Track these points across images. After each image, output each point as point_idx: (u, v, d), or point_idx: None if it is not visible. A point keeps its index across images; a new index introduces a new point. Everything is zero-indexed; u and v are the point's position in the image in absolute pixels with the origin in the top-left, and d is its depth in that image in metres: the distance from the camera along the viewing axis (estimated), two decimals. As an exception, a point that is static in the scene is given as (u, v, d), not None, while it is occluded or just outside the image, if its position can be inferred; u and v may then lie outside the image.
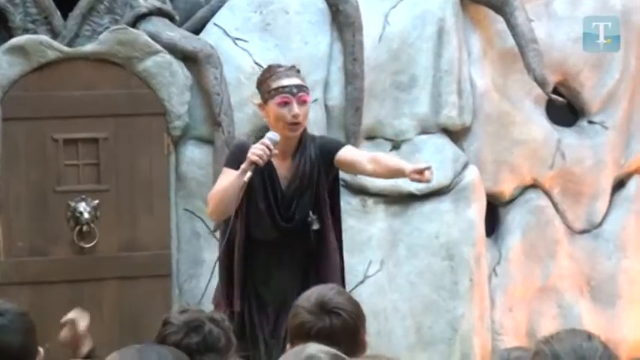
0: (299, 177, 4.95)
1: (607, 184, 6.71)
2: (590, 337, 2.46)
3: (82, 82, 5.84)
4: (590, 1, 6.79)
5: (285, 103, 4.90)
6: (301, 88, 5.00)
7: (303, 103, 4.93)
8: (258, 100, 5.13)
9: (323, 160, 4.93)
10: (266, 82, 5.03)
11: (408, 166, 4.75)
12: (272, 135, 4.79)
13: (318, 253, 4.99)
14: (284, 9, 6.06)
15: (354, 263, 5.91)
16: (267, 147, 4.73)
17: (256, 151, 4.73)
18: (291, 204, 4.97)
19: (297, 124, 4.91)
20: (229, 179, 4.90)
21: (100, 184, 5.87)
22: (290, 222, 4.95)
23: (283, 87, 4.96)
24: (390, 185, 6.20)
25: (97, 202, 5.78)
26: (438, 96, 6.22)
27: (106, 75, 5.89)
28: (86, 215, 5.73)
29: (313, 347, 2.64)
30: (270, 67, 5.30)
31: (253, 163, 4.71)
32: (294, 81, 5.03)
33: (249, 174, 4.75)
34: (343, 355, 2.66)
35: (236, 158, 4.98)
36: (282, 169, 4.92)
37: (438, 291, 6.17)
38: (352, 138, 5.97)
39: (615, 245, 6.75)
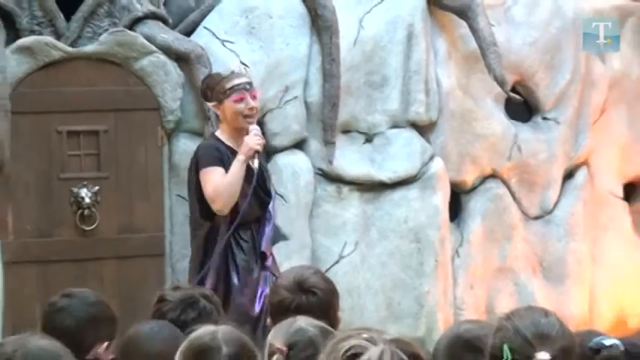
0: (260, 161, 5.41)
1: (558, 175, 6.96)
2: (547, 313, 2.72)
3: (83, 79, 6.00)
4: (544, 8, 7.01)
5: (241, 99, 5.32)
6: (251, 85, 5.43)
7: (254, 97, 5.36)
8: (212, 103, 5.60)
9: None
10: (219, 84, 5.44)
11: (250, 140, 5.37)
12: (255, 128, 5.26)
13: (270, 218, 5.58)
14: (268, 14, 6.25)
15: (330, 244, 6.26)
16: (260, 136, 5.26)
17: (257, 141, 5.22)
18: (265, 181, 5.50)
19: (252, 116, 5.34)
20: (226, 175, 5.31)
21: (100, 172, 6.04)
22: (269, 195, 5.51)
23: (237, 85, 5.36)
24: (363, 174, 6.45)
25: (97, 188, 5.96)
26: (408, 94, 6.42)
27: (105, 73, 6.06)
28: (87, 200, 5.93)
29: (302, 320, 2.93)
30: (216, 73, 5.73)
31: (257, 151, 5.23)
32: (245, 79, 5.43)
33: (256, 161, 5.27)
34: (329, 328, 2.97)
35: (217, 156, 5.44)
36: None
37: (406, 270, 6.39)
38: (329, 132, 6.24)
39: (565, 230, 7.00)
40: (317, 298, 3.41)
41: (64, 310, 3.58)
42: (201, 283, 5.49)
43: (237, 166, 5.34)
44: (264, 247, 5.56)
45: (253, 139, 5.27)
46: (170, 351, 2.96)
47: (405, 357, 2.20)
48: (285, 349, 2.76)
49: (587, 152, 7.19)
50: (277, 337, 2.85)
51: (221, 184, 5.36)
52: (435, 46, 6.60)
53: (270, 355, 2.80)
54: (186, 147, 6.01)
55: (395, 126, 6.44)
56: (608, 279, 7.25)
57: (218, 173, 5.36)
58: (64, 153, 5.98)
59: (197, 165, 5.57)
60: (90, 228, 5.97)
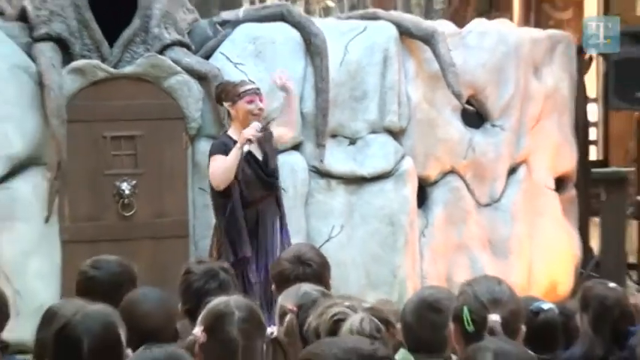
0: (266, 149, 5.68)
1: (503, 171, 7.33)
2: (500, 282, 2.91)
3: (123, 94, 6.27)
4: (491, 37, 7.28)
5: (252, 101, 5.57)
6: (260, 90, 5.70)
7: (261, 101, 5.62)
8: (227, 103, 5.78)
9: (269, 137, 5.75)
10: (234, 89, 5.68)
11: (247, 131, 5.52)
12: (256, 124, 5.49)
13: (278, 201, 5.75)
14: (271, 41, 6.52)
15: (321, 227, 6.53)
16: (257, 130, 5.44)
17: (250, 132, 5.43)
18: (267, 165, 5.68)
19: (259, 115, 5.58)
20: (226, 159, 5.52)
21: (137, 169, 6.35)
22: (271, 176, 5.69)
23: (249, 90, 5.63)
24: (348, 171, 6.70)
25: (134, 182, 6.28)
26: (383, 106, 6.72)
27: (141, 90, 6.31)
28: (127, 192, 6.24)
29: (306, 286, 3.16)
30: (227, 81, 5.98)
31: (249, 139, 5.42)
32: (254, 86, 5.71)
33: (246, 147, 5.48)
34: (328, 292, 3.23)
35: (222, 148, 5.65)
36: (254, 149, 5.61)
37: (383, 248, 6.70)
38: (320, 136, 6.53)
39: (509, 215, 7.35)
40: (312, 269, 3.65)
41: (93, 278, 3.79)
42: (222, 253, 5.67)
43: (234, 152, 5.56)
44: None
45: (249, 131, 5.48)
46: (158, 311, 3.15)
47: (378, 323, 2.58)
48: (295, 308, 2.97)
49: (527, 153, 7.49)
50: (287, 300, 3.04)
51: (219, 167, 5.59)
52: (405, 67, 6.88)
53: (282, 314, 3.01)
54: (205, 149, 6.14)
55: (373, 132, 6.73)
56: (542, 254, 7.53)
57: (220, 159, 5.58)
58: (108, 154, 6.27)
59: (209, 156, 5.83)
60: (129, 214, 6.27)
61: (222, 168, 5.56)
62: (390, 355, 2.24)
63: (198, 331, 2.79)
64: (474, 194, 7.23)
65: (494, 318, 2.72)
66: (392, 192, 6.77)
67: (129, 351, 2.57)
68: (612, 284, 3.89)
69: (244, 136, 5.51)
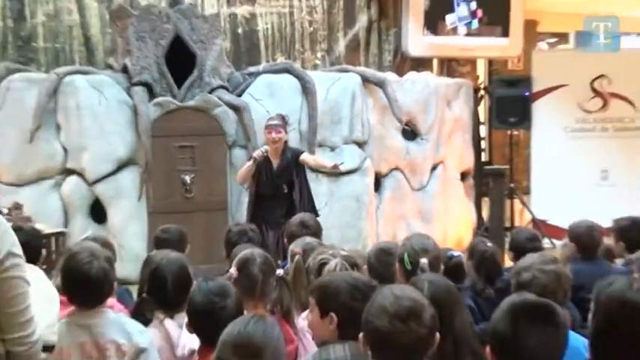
0: (281, 167, 5.50)
1: (428, 168, 7.67)
2: (428, 237, 3.03)
3: (187, 118, 6.57)
4: (420, 83, 7.43)
5: (270, 132, 5.53)
6: (277, 126, 5.51)
7: (278, 132, 5.48)
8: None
9: (293, 159, 5.53)
10: (265, 123, 5.68)
11: (329, 163, 5.65)
12: (264, 147, 5.54)
13: (289, 201, 5.52)
14: (280, 86, 6.91)
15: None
16: (262, 152, 5.45)
17: (257, 153, 5.51)
18: (279, 178, 5.52)
19: (275, 142, 5.48)
20: (245, 166, 5.61)
21: (195, 167, 6.59)
22: (277, 188, 5.54)
23: (268, 124, 5.60)
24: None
25: (193, 175, 6.54)
26: (352, 127, 7.03)
27: (198, 116, 6.62)
28: (189, 182, 6.51)
29: (308, 238, 3.32)
30: (269, 117, 5.82)
31: (254, 158, 5.47)
32: (273, 122, 5.57)
33: (250, 162, 5.48)
34: (321, 242, 3.38)
35: (249, 158, 5.62)
36: (274, 163, 5.49)
37: (352, 217, 7.01)
38: (311, 146, 6.71)
39: (432, 196, 7.69)
40: (311, 230, 3.87)
41: (165, 240, 3.85)
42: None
43: (246, 163, 5.62)
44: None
45: (257, 152, 5.53)
46: (177, 269, 2.84)
47: (348, 266, 2.62)
48: (301, 251, 3.07)
49: (442, 156, 7.83)
50: (296, 246, 3.19)
51: (241, 171, 5.67)
52: (366, 102, 7.13)
53: (292, 256, 3.09)
54: (238, 155, 6.56)
55: (346, 143, 7.05)
56: (452, 221, 7.87)
57: (245, 164, 5.65)
58: (177, 157, 6.57)
59: None
60: (190, 196, 6.55)
61: (239, 171, 5.79)
62: (376, 284, 2.24)
63: (233, 270, 2.79)
64: (410, 183, 7.50)
65: (424, 261, 2.76)
66: (358, 181, 7.07)
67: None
68: (489, 243, 3.85)
69: (251, 154, 5.69)
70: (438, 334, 1.90)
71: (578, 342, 2.27)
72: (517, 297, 1.97)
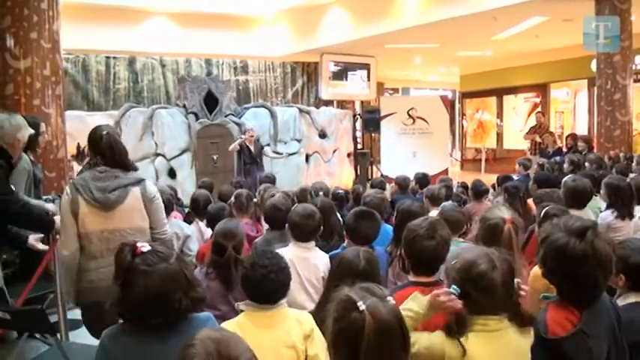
0: (255, 149, 6.42)
1: (331, 151, 9.01)
2: (324, 183, 3.53)
3: (214, 132, 7.84)
4: (330, 111, 9.21)
5: (249, 133, 6.56)
6: (251, 130, 6.50)
7: (251, 134, 6.46)
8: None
9: (258, 146, 6.50)
10: (246, 129, 6.72)
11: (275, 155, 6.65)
12: (244, 136, 6.52)
13: (257, 166, 6.30)
14: (259, 114, 8.42)
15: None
16: (242, 139, 6.39)
17: (239, 141, 6.44)
18: (250, 153, 6.36)
19: (251, 136, 6.44)
20: (234, 144, 6.42)
21: (218, 152, 7.80)
22: (251, 159, 6.31)
23: (248, 130, 6.67)
24: (285, 156, 7.89)
25: (217, 156, 7.75)
26: (295, 132, 8.47)
27: (220, 129, 7.76)
28: (215, 159, 7.77)
29: (269, 184, 3.92)
30: (250, 127, 6.79)
31: (240, 143, 6.31)
32: (251, 129, 6.51)
33: (236, 143, 6.48)
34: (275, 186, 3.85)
35: (238, 143, 6.28)
36: (251, 147, 6.41)
37: (295, 176, 8.20)
38: (275, 143, 8.02)
39: (333, 165, 8.96)
40: (270, 180, 4.37)
41: (204, 183, 4.21)
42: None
43: (235, 144, 6.57)
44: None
45: (239, 140, 6.44)
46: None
47: (285, 196, 2.82)
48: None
49: (338, 146, 9.21)
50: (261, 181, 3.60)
51: (231, 147, 6.57)
52: (301, 121, 8.73)
53: (261, 182, 3.59)
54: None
55: (291, 140, 8.52)
56: (343, 177, 9.19)
57: (234, 144, 6.55)
58: (209, 147, 7.88)
59: None
60: (215, 165, 7.76)
61: (230, 147, 6.90)
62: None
63: (232, 199, 2.83)
64: (323, 159, 9.03)
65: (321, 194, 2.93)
66: (297, 158, 8.64)
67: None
68: (360, 186, 4.02)
69: (234, 142, 6.79)
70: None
71: (387, 229, 2.70)
72: (357, 208, 2.27)
